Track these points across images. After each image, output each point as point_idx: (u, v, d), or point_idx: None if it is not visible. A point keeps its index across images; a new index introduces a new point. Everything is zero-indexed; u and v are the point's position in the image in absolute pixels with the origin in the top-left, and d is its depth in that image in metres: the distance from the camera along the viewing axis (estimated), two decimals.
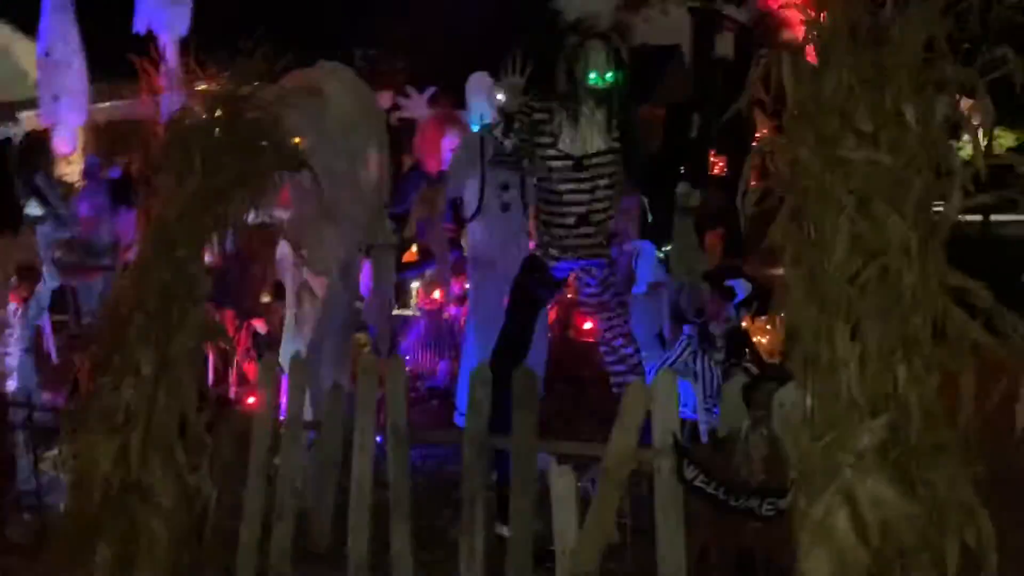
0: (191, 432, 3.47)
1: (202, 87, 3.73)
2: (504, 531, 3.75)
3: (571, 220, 4.61)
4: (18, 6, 12.04)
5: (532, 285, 4.69)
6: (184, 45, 8.23)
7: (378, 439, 3.86)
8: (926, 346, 2.43)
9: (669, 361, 5.58)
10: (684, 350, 5.61)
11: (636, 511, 3.45)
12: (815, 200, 2.52)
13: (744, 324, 6.00)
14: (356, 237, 5.44)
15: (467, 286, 6.54)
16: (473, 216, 5.71)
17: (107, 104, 12.42)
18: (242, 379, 7.14)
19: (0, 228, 6.14)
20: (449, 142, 6.62)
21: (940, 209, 2.50)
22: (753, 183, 2.71)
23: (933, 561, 2.38)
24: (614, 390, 4.66)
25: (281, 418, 4.07)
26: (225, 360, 6.99)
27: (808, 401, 2.50)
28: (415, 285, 8.54)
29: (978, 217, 10.94)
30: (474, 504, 3.55)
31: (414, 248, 8.16)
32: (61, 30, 10.54)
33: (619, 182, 4.70)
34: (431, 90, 7.44)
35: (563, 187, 4.60)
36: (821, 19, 2.59)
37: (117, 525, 3.30)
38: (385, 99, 7.61)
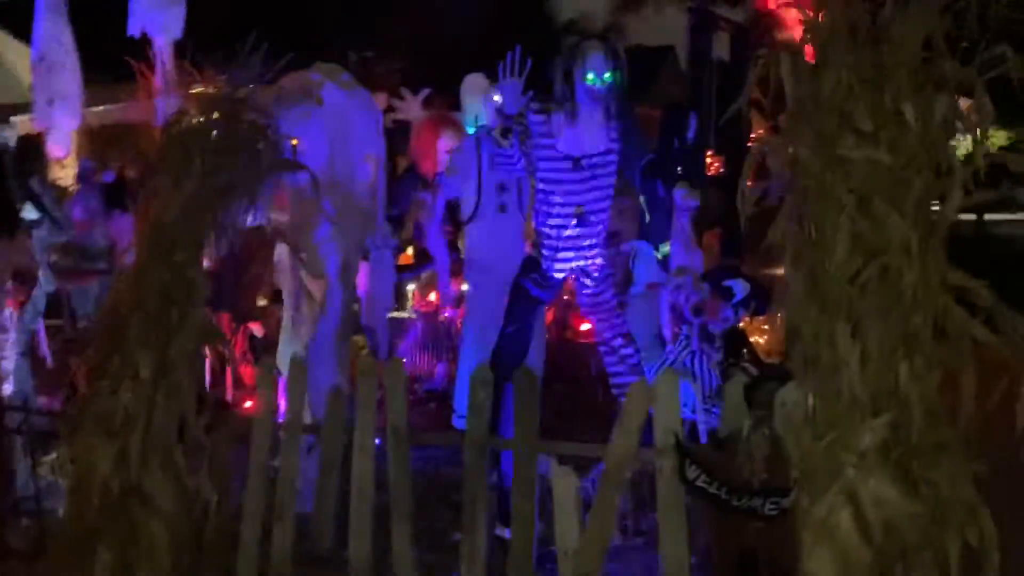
0: (190, 435, 3.45)
1: (198, 90, 3.72)
2: (505, 533, 3.75)
3: (569, 221, 4.62)
4: (11, 10, 12.00)
5: (530, 286, 4.68)
6: (179, 48, 8.24)
7: (376, 441, 3.86)
8: (927, 345, 2.43)
9: (668, 361, 5.59)
10: (682, 350, 5.61)
11: (637, 512, 3.45)
12: (815, 200, 2.52)
13: (742, 324, 6.00)
14: (354, 239, 5.43)
15: (464, 288, 6.52)
16: (470, 218, 5.70)
17: (101, 108, 12.39)
18: (238, 383, 7.13)
19: None
20: (444, 144, 6.59)
21: (938, 208, 2.51)
22: (751, 183, 2.71)
23: (935, 560, 2.38)
24: (613, 391, 4.66)
25: (279, 420, 4.07)
26: (222, 363, 6.99)
27: (809, 401, 2.50)
28: (411, 287, 8.52)
29: (972, 216, 10.97)
30: (475, 505, 3.55)
31: (410, 251, 8.15)
32: (55, 34, 10.50)
33: (616, 182, 4.70)
34: (425, 91, 7.39)
35: (561, 187, 4.60)
36: (820, 18, 2.59)
37: (117, 529, 3.28)
38: (380, 101, 7.57)
